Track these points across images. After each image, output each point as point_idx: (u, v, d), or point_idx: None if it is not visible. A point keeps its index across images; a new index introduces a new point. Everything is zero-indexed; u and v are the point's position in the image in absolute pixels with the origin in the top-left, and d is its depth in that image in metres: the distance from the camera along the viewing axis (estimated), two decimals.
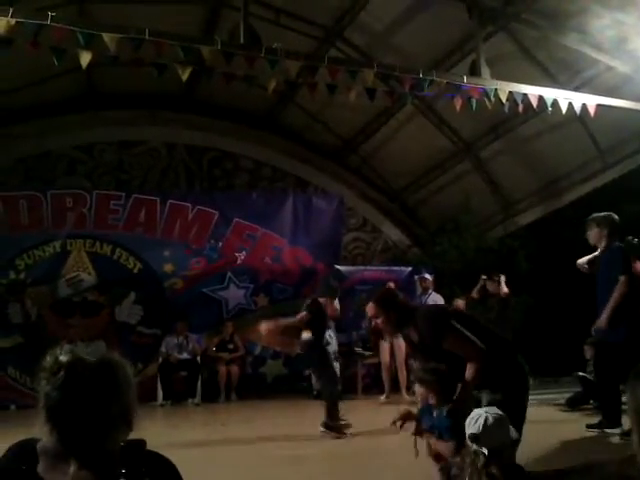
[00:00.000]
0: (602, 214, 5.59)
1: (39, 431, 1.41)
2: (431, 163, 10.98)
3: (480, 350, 3.42)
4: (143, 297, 9.57)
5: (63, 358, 1.40)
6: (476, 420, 2.67)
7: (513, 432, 2.77)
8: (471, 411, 2.75)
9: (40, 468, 1.35)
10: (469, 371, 3.42)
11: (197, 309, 9.75)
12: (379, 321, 3.70)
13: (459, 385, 3.47)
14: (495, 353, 3.52)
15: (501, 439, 2.65)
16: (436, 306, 3.87)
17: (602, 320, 5.27)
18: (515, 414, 3.21)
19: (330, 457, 4.72)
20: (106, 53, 5.50)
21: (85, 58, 5.43)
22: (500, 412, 2.76)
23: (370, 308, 3.73)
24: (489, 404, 3.28)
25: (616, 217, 5.58)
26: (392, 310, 3.67)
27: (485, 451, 2.60)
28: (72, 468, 1.34)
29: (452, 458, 3.07)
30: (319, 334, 6.27)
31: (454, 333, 3.45)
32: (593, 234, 5.59)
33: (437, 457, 3.31)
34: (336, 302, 6.86)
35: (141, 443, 1.45)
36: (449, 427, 3.24)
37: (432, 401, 3.43)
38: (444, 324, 3.49)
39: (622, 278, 5.21)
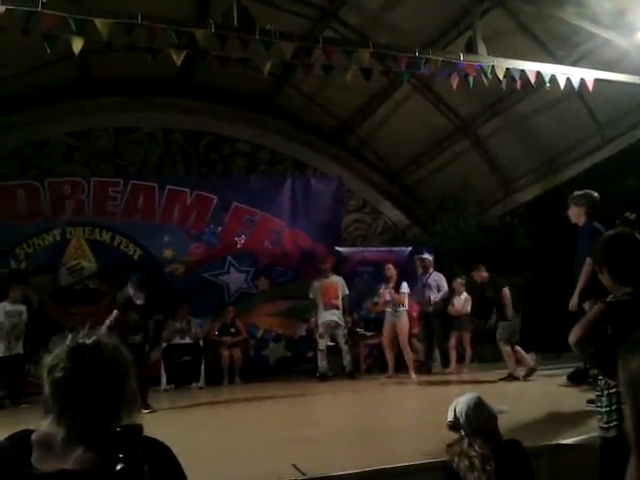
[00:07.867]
0: (581, 192, 5.46)
1: (40, 421, 1.43)
2: (429, 142, 10.92)
3: None
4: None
5: (87, 341, 1.44)
6: (453, 408, 2.88)
7: (496, 408, 2.87)
8: None
9: (34, 458, 1.38)
10: None
11: (198, 294, 9.77)
12: None
13: None
14: None
15: (478, 418, 2.76)
16: None
17: (573, 303, 5.18)
18: None
19: (334, 437, 4.75)
20: (99, 39, 5.45)
21: (77, 44, 5.38)
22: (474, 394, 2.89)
23: None
24: None
25: (596, 195, 5.41)
26: None
27: (463, 433, 2.74)
28: (78, 450, 1.36)
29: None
30: None
31: None
32: (572, 213, 5.47)
33: None
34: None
35: (138, 428, 1.45)
36: None
37: None
38: None
39: (588, 260, 4.97)
